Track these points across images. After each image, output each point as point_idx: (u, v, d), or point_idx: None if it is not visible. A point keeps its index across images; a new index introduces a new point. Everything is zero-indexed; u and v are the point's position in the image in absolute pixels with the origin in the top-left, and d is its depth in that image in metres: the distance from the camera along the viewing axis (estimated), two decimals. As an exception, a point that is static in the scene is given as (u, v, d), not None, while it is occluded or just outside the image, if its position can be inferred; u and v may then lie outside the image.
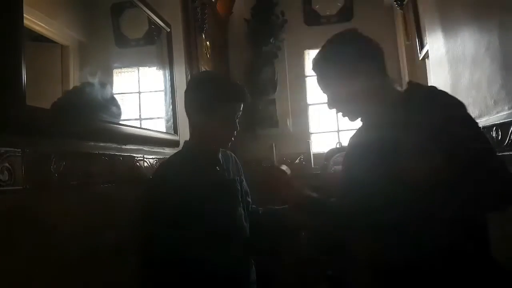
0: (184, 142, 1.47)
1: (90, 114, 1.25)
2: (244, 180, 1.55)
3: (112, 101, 1.43)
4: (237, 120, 1.37)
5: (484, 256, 1.01)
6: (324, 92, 1.18)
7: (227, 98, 1.32)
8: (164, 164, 1.39)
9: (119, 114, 1.44)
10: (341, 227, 1.15)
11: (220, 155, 1.44)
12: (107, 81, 1.49)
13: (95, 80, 1.33)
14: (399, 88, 1.15)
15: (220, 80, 1.48)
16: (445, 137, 0.90)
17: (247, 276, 1.41)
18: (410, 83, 1.14)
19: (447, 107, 1.00)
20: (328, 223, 1.21)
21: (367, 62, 1.09)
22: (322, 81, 1.16)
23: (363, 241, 1.07)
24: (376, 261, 1.05)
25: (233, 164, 1.51)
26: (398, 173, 0.91)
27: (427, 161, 0.87)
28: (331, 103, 1.17)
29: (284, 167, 1.21)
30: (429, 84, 2.50)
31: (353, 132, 1.29)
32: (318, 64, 1.16)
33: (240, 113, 1.38)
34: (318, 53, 1.17)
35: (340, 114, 1.18)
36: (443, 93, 1.05)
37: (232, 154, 1.56)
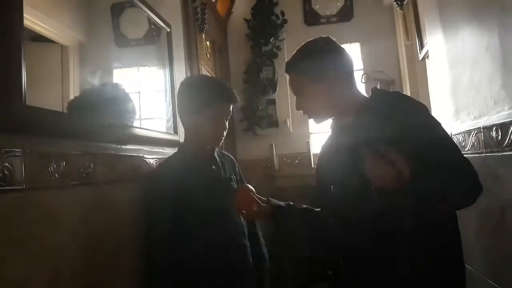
0: (179, 145, 1.53)
1: (92, 114, 1.26)
2: (244, 179, 1.57)
3: (116, 101, 1.47)
4: (226, 121, 1.42)
5: (455, 259, 1.05)
6: (294, 94, 1.23)
7: (215, 99, 1.38)
8: (161, 165, 1.44)
9: (127, 113, 1.50)
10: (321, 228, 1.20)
11: (216, 154, 1.48)
12: (108, 81, 1.50)
13: (97, 81, 1.34)
14: (365, 95, 1.21)
15: (208, 83, 1.53)
16: (407, 139, 0.95)
17: (245, 272, 1.43)
18: (373, 89, 1.20)
19: (408, 110, 1.06)
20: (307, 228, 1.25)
21: (336, 67, 1.15)
22: (293, 82, 1.21)
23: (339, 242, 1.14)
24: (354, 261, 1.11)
25: (230, 164, 1.53)
26: (364, 177, 0.95)
27: (389, 164, 0.91)
28: (300, 105, 1.22)
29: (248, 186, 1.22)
30: (429, 84, 2.50)
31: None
32: (290, 66, 1.20)
33: (230, 114, 1.43)
34: (292, 56, 1.21)
35: (306, 116, 1.24)
36: (405, 97, 1.13)
37: (229, 154, 1.59)
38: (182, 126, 1.97)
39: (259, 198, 1.20)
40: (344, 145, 1.12)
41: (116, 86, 1.55)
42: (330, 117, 1.22)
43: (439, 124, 1.06)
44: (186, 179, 1.30)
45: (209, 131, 1.38)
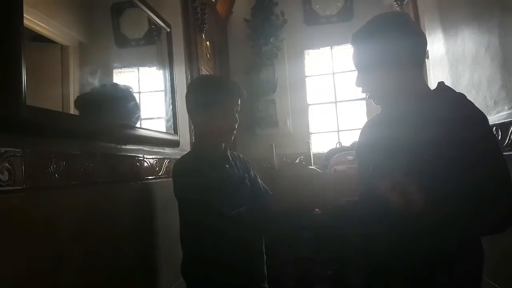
0: (192, 144, 1.57)
1: (92, 115, 1.26)
2: (257, 176, 1.60)
3: (118, 101, 1.49)
4: (236, 115, 1.45)
5: (477, 268, 1.01)
6: (356, 68, 1.13)
7: (224, 94, 1.42)
8: (181, 162, 1.42)
9: (130, 113, 1.52)
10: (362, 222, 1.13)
11: (228, 153, 1.51)
12: (108, 81, 1.50)
13: (97, 81, 1.34)
14: (429, 87, 1.12)
15: (216, 80, 1.59)
16: (464, 148, 0.90)
17: (262, 269, 1.48)
18: (440, 84, 1.10)
19: (472, 118, 0.97)
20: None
21: (409, 50, 1.04)
22: (358, 57, 1.11)
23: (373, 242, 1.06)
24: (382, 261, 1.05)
25: (242, 162, 1.57)
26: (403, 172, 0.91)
27: (441, 166, 0.87)
28: (360, 82, 1.12)
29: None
30: (429, 84, 2.48)
31: (357, 129, 1.28)
32: (359, 37, 1.10)
33: (239, 108, 1.46)
34: (363, 26, 1.11)
35: (364, 94, 1.14)
36: (470, 103, 1.02)
37: (240, 154, 1.62)
38: (182, 126, 1.99)
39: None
40: (396, 133, 1.04)
41: (119, 86, 1.56)
42: (390, 100, 1.11)
43: (494, 139, 0.99)
44: (203, 177, 1.32)
45: (221, 125, 1.42)
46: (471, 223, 0.91)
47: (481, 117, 0.98)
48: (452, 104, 1.01)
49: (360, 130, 1.28)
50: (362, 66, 1.10)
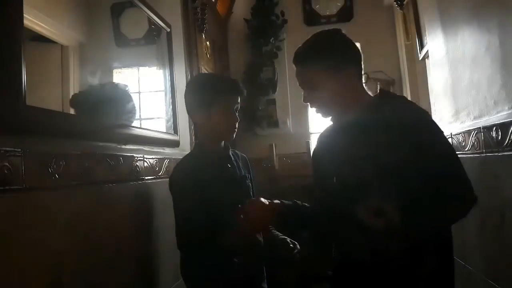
0: (194, 144, 1.57)
1: (92, 114, 1.26)
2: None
3: (116, 101, 1.48)
4: (236, 113, 1.45)
5: (446, 254, 1.06)
6: (301, 86, 1.19)
7: (224, 91, 1.41)
8: (180, 164, 1.44)
9: (128, 113, 1.51)
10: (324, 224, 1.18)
11: (230, 153, 1.50)
12: (108, 80, 1.50)
13: (97, 81, 1.34)
14: (370, 93, 1.18)
15: (215, 78, 1.59)
16: (408, 146, 0.96)
17: (261, 269, 1.48)
18: (381, 90, 1.19)
19: (413, 115, 1.05)
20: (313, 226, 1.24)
21: (348, 62, 1.12)
22: (302, 76, 1.17)
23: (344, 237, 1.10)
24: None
25: (243, 162, 1.57)
26: (363, 179, 0.96)
27: (391, 166, 0.93)
28: (307, 98, 1.18)
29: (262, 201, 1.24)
30: (429, 84, 2.50)
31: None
32: (300, 56, 1.16)
33: (239, 106, 1.46)
34: (302, 45, 1.17)
35: (314, 109, 1.21)
36: (411, 103, 1.12)
37: (242, 154, 1.62)
38: (182, 126, 1.98)
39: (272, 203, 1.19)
40: (348, 142, 1.11)
41: (117, 86, 1.55)
42: (338, 112, 1.17)
43: (441, 132, 1.06)
44: (206, 176, 1.34)
45: (222, 124, 1.41)
46: (434, 215, 0.97)
47: (425, 114, 1.08)
48: (397, 105, 1.10)
49: (316, 140, 1.34)
50: (307, 83, 1.16)
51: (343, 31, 1.17)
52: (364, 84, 1.18)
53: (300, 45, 1.17)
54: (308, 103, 1.19)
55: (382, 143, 1.00)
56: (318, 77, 1.11)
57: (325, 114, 1.20)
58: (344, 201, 1.05)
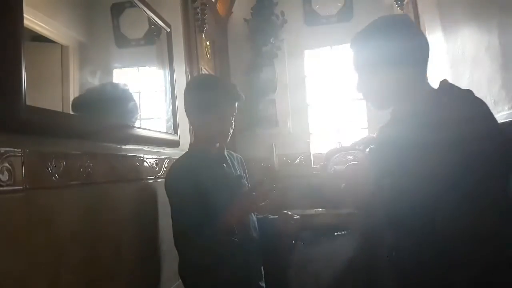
0: (190, 145, 1.59)
1: (92, 114, 1.26)
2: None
3: (117, 101, 1.49)
4: (232, 118, 1.46)
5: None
6: (356, 71, 1.11)
7: (221, 98, 1.42)
8: (176, 164, 1.45)
9: (129, 113, 1.52)
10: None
11: (225, 153, 1.52)
12: (108, 81, 1.50)
13: (97, 81, 1.34)
14: (432, 87, 1.09)
15: (214, 82, 1.57)
16: (470, 146, 0.88)
17: (259, 269, 1.49)
18: (443, 81, 1.07)
19: (479, 115, 0.95)
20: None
21: (411, 51, 1.02)
22: (358, 60, 1.10)
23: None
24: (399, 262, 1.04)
25: (239, 163, 1.59)
26: (420, 175, 0.90)
27: (448, 165, 0.86)
28: (361, 87, 1.11)
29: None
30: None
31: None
32: (360, 39, 1.08)
33: (236, 111, 1.47)
34: (363, 29, 1.09)
35: (365, 100, 1.13)
36: (477, 100, 0.99)
37: (238, 154, 1.64)
38: (182, 126, 1.98)
39: None
40: (401, 133, 1.03)
41: (117, 86, 1.56)
42: (393, 103, 1.09)
43: (504, 136, 0.95)
44: (202, 176, 1.35)
45: (217, 129, 1.43)
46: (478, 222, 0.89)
47: (488, 113, 0.96)
48: (461, 100, 0.98)
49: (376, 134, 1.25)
50: (364, 69, 1.09)
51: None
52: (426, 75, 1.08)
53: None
54: (361, 92, 1.11)
55: (434, 138, 0.91)
56: (375, 65, 1.04)
57: (377, 104, 1.12)
58: (405, 199, 0.97)
